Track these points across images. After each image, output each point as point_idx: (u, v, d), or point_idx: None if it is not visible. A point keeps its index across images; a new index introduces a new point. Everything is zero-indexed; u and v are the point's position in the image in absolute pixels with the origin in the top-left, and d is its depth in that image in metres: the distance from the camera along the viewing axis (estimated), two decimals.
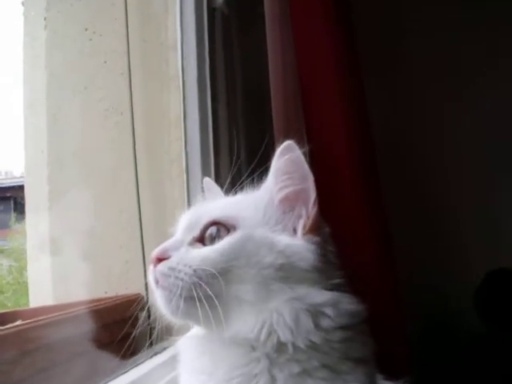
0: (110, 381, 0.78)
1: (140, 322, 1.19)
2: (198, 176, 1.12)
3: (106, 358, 0.96)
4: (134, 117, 1.23)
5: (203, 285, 0.64)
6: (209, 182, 0.88)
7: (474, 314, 2.47)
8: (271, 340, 0.62)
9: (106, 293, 1.26)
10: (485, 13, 2.49)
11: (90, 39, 1.32)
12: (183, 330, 1.07)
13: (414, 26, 2.59)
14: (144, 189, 1.22)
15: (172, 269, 0.66)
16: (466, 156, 2.79)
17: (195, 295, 0.63)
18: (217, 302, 0.64)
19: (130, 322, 1.09)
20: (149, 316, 1.23)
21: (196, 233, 0.72)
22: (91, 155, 1.30)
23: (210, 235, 0.70)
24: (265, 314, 0.63)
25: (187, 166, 1.14)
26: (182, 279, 0.65)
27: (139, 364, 0.88)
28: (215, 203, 0.79)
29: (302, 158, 0.68)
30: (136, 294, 1.18)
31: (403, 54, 2.60)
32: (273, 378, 0.62)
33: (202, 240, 0.71)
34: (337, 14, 1.42)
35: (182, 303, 0.64)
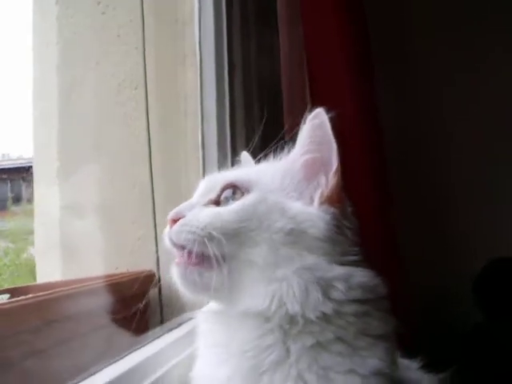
0: (127, 355, 0.76)
1: (150, 298, 1.19)
2: (213, 151, 1.11)
3: (119, 333, 0.96)
4: (149, 92, 1.21)
5: (216, 239, 0.63)
6: (246, 155, 0.87)
7: (473, 302, 2.50)
8: (281, 312, 0.61)
9: (116, 269, 1.25)
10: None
11: (103, 13, 1.31)
12: (195, 307, 1.07)
13: (419, 21, 2.61)
14: (158, 164, 1.21)
15: (184, 224, 0.66)
16: (467, 148, 2.80)
17: (209, 250, 0.63)
18: (229, 265, 0.64)
19: (143, 297, 1.08)
20: (160, 292, 1.22)
21: (213, 196, 0.71)
22: (104, 131, 1.28)
23: (226, 197, 0.70)
24: (274, 285, 0.62)
25: (203, 140, 1.12)
26: (193, 232, 0.64)
27: (155, 339, 0.86)
28: (234, 170, 0.79)
29: (328, 124, 0.67)
30: (148, 271, 1.17)
31: (409, 51, 2.62)
32: (287, 350, 0.61)
33: (217, 202, 0.71)
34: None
35: (193, 265, 0.64)
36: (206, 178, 0.77)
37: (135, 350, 0.78)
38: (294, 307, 0.60)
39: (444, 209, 2.89)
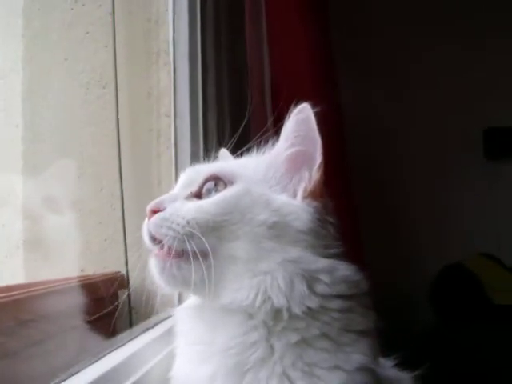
0: (103, 356, 0.74)
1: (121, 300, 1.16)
2: (187, 150, 1.10)
3: (87, 337, 0.93)
4: (119, 91, 1.18)
5: (196, 237, 0.62)
6: (225, 152, 0.86)
7: (429, 306, 2.59)
8: (266, 306, 0.60)
9: (82, 271, 1.21)
10: None
11: (72, 8, 1.27)
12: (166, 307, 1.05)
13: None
14: (127, 164, 1.18)
15: (165, 219, 0.65)
16: (419, 160, 2.93)
17: (188, 248, 0.62)
18: (210, 261, 0.62)
19: (112, 299, 1.06)
20: (128, 294, 1.20)
21: (194, 188, 0.70)
22: (71, 129, 1.24)
23: (208, 190, 0.69)
24: (258, 278, 0.61)
25: (176, 140, 1.11)
26: (174, 229, 0.63)
27: (131, 340, 0.84)
28: (214, 163, 0.78)
29: (313, 120, 0.67)
30: (116, 272, 1.15)
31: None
32: (271, 347, 0.60)
33: (199, 195, 0.70)
34: None
35: (173, 259, 0.63)
36: (188, 169, 0.76)
37: (112, 350, 0.76)
38: (279, 300, 0.59)
39: (399, 221, 2.99)
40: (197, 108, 1.13)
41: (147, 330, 0.89)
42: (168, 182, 1.14)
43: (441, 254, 2.82)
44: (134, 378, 0.68)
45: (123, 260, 1.17)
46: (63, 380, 0.61)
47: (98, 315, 0.89)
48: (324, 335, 0.60)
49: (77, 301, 0.91)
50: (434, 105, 3.05)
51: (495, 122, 3.29)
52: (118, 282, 1.09)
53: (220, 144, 0.88)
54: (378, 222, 2.76)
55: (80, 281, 1.01)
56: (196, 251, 0.61)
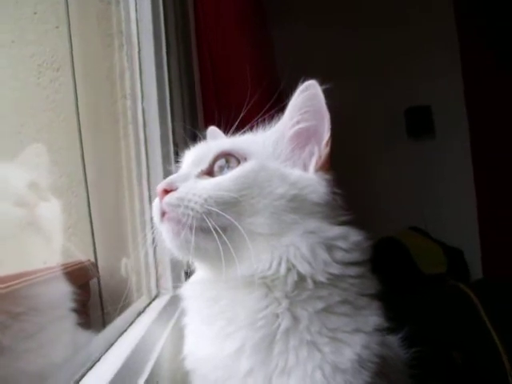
0: (110, 347, 0.71)
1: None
2: (156, 132, 1.07)
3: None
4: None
5: (215, 214, 0.62)
6: (214, 130, 0.85)
7: None
8: (291, 275, 0.62)
9: (45, 263, 1.16)
10: None
11: None
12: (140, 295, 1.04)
13: None
14: (88, 149, 1.14)
15: (181, 198, 0.64)
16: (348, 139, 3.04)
17: (208, 225, 0.62)
18: (230, 235, 0.63)
19: (84, 289, 1.03)
20: (99, 283, 1.17)
21: (204, 166, 0.70)
22: (24, 115, 1.18)
23: (220, 167, 0.69)
24: (280, 250, 0.63)
25: (144, 122, 1.08)
26: (192, 208, 0.63)
27: (128, 326, 0.82)
28: (222, 140, 0.78)
29: (322, 96, 0.69)
30: (86, 261, 1.11)
31: None
32: (295, 317, 0.62)
33: (210, 173, 0.69)
34: None
35: (192, 236, 0.62)
36: (195, 147, 0.75)
37: (118, 337, 0.74)
38: (304, 267, 0.61)
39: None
40: (163, 89, 1.11)
41: (139, 314, 0.87)
42: (134, 164, 1.11)
43: (373, 228, 2.92)
44: (151, 362, 0.67)
45: (90, 248, 1.13)
46: (83, 375, 0.59)
47: (84, 304, 0.86)
48: (344, 301, 0.63)
49: (60, 290, 0.87)
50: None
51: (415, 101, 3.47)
52: (90, 270, 1.07)
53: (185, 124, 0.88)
54: None
55: (56, 270, 0.97)
56: (216, 227, 0.61)
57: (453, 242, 3.16)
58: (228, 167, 0.68)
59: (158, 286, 1.04)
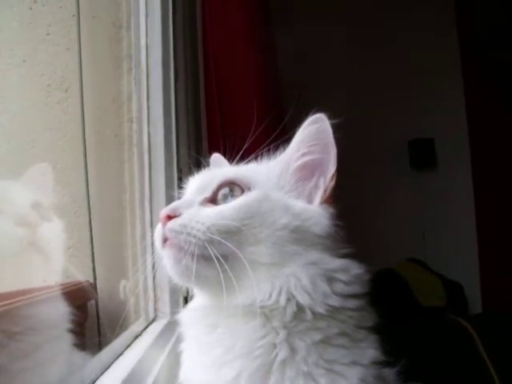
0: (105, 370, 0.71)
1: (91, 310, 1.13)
2: (160, 156, 1.08)
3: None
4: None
5: (217, 242, 0.62)
6: (218, 157, 0.86)
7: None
8: (291, 306, 0.62)
9: (44, 281, 1.16)
10: None
11: (30, 8, 1.23)
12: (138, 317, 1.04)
13: None
14: (91, 171, 1.15)
15: (184, 225, 0.64)
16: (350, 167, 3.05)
17: (210, 253, 0.62)
18: (231, 264, 0.63)
19: (82, 310, 1.02)
20: (97, 304, 1.16)
21: (208, 193, 0.70)
22: (30, 134, 1.19)
23: (224, 195, 0.69)
24: (281, 280, 0.63)
25: (150, 146, 1.09)
26: (194, 236, 0.63)
27: (125, 349, 0.82)
28: (227, 168, 0.79)
29: (330, 130, 0.70)
30: (85, 282, 1.11)
31: None
32: (292, 348, 0.62)
33: (213, 201, 0.70)
34: None
35: (194, 263, 0.62)
36: (199, 174, 0.76)
37: (114, 360, 0.73)
38: (304, 298, 0.61)
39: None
40: (170, 115, 1.12)
41: (136, 337, 0.86)
42: (137, 187, 1.12)
43: (373, 258, 2.91)
44: None
45: (89, 269, 1.13)
46: None
47: (81, 325, 0.86)
48: (342, 333, 0.63)
49: (58, 310, 0.87)
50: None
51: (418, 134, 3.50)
52: (89, 291, 1.06)
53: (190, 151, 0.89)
54: None
55: (55, 290, 0.97)
56: (218, 255, 0.62)
57: (452, 275, 3.14)
58: (232, 196, 0.69)
59: (155, 309, 1.04)
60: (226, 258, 0.62)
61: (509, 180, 2.97)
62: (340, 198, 0.72)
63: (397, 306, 2.76)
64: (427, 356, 2.12)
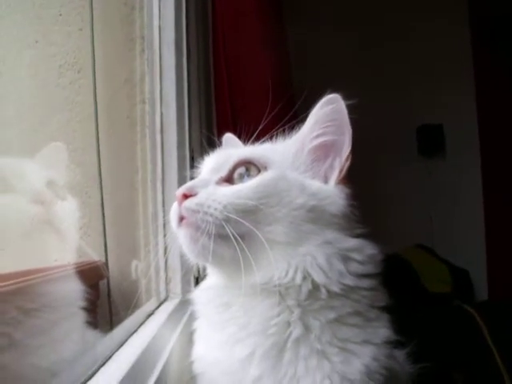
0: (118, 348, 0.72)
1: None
2: (173, 137, 1.08)
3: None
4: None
5: (234, 221, 0.63)
6: (231, 137, 0.86)
7: None
8: (306, 284, 0.63)
9: (55, 261, 1.17)
10: None
11: None
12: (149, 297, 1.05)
13: None
14: (103, 152, 1.15)
15: (201, 204, 0.64)
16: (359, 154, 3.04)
17: (227, 232, 0.62)
18: (248, 243, 0.63)
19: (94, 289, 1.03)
20: (108, 284, 1.17)
21: (224, 173, 0.71)
22: (42, 115, 1.19)
23: (240, 174, 0.70)
24: (297, 259, 0.64)
25: (162, 127, 1.10)
26: (211, 214, 0.63)
27: (138, 327, 0.82)
28: (242, 148, 0.79)
29: (346, 110, 0.70)
30: (98, 261, 1.12)
31: None
32: (307, 326, 0.63)
33: (229, 180, 0.70)
34: None
35: (210, 242, 0.62)
36: (215, 154, 0.76)
37: (128, 337, 0.74)
38: (319, 277, 0.62)
39: None
40: (182, 95, 1.13)
41: (149, 316, 0.88)
42: (150, 168, 1.12)
43: (381, 243, 2.92)
44: (160, 365, 0.67)
45: (101, 249, 1.14)
46: (94, 372, 0.60)
47: (93, 303, 0.87)
48: (356, 312, 0.64)
49: (72, 289, 0.88)
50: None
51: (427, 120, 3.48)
52: (101, 270, 1.08)
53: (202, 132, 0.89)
54: None
55: (69, 269, 0.98)
56: (235, 234, 0.62)
57: (459, 262, 3.15)
58: (248, 175, 0.69)
59: (167, 289, 1.05)
60: (242, 237, 0.63)
61: None
62: (349, 181, 0.72)
63: (403, 291, 2.76)
64: (432, 341, 2.13)
